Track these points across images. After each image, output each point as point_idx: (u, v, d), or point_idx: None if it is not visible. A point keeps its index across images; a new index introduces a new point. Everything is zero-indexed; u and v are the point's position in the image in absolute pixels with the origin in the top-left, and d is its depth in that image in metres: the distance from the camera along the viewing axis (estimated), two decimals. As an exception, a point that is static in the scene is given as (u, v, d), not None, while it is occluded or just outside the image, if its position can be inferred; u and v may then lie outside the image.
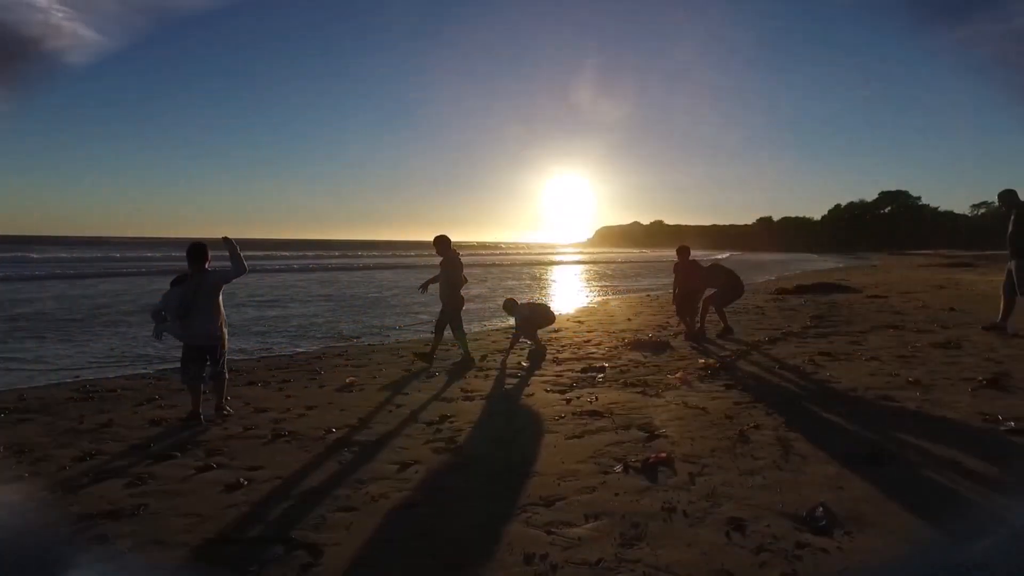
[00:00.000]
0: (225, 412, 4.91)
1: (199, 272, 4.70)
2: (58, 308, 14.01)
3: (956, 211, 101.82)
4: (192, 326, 4.64)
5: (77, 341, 9.53)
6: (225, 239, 4.80)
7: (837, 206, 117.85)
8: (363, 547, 2.58)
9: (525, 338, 7.70)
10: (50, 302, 15.31)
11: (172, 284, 4.77)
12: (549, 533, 2.59)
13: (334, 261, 41.73)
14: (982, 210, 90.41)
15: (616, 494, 2.97)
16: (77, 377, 7.05)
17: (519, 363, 6.83)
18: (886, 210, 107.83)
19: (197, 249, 4.75)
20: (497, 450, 3.80)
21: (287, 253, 56.73)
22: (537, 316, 7.88)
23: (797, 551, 2.31)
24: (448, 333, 7.14)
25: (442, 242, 7.13)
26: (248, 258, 4.90)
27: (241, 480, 3.44)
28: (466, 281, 7.32)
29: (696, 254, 8.71)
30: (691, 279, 8.29)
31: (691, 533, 2.52)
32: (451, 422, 4.52)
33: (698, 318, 8.27)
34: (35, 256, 40.33)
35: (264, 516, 2.96)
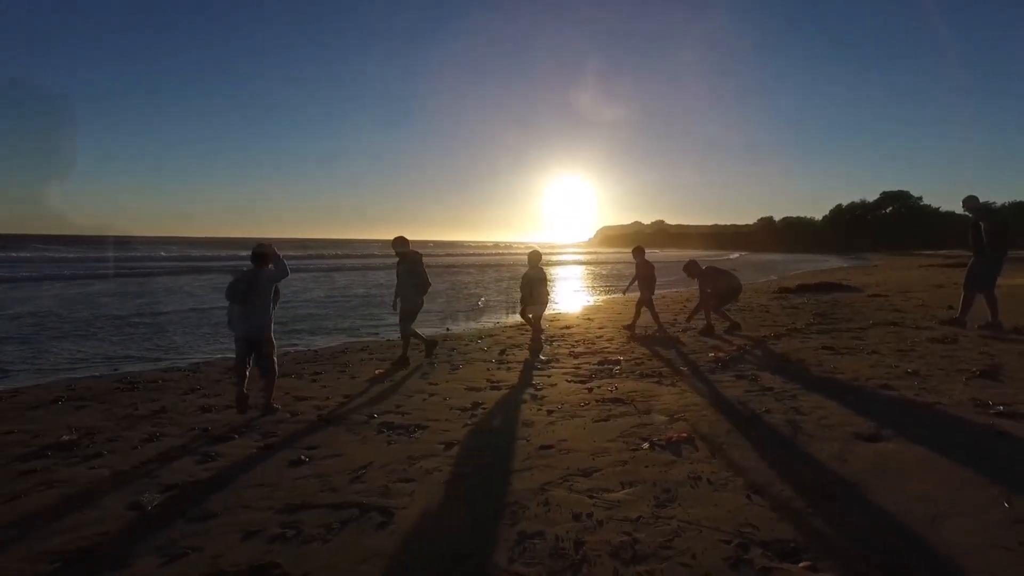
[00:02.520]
0: (275, 407, 5.11)
1: (258, 269, 5.05)
2: (75, 307, 14.39)
3: (957, 211, 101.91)
4: (247, 317, 4.97)
5: (101, 338, 9.91)
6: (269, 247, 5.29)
7: (839, 206, 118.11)
8: (428, 508, 2.95)
9: (528, 311, 8.17)
10: (66, 301, 15.68)
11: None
12: (591, 497, 2.96)
13: (333, 262, 42.10)
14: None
15: (646, 466, 3.34)
16: (115, 370, 7.43)
17: (538, 356, 7.18)
18: (887, 210, 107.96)
19: (259, 249, 5.17)
20: (531, 431, 4.16)
21: (290, 252, 57.21)
22: (539, 284, 8.14)
23: (809, 509, 2.68)
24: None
25: (402, 242, 7.38)
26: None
27: (303, 457, 3.81)
28: (429, 284, 7.39)
29: (703, 255, 9.19)
30: (649, 277, 9.13)
31: (716, 496, 2.89)
32: (483, 408, 4.89)
33: (701, 315, 8.74)
34: (54, 254, 40.64)
35: (332, 486, 3.32)
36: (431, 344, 7.57)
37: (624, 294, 9.59)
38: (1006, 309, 7.96)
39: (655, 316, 9.14)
